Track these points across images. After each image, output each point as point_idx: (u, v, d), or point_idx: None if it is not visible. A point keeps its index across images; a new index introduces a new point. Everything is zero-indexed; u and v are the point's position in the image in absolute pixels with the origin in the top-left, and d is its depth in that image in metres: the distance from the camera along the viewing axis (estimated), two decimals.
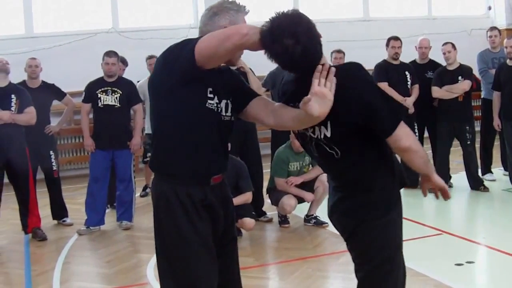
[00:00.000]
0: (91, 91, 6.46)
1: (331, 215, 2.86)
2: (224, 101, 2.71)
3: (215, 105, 2.66)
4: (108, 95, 6.40)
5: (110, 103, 6.39)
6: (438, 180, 2.69)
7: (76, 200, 7.77)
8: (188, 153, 2.64)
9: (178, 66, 2.54)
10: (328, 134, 2.59)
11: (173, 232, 2.66)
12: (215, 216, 2.75)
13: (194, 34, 2.71)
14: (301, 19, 2.44)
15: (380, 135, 2.54)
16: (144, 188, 8.15)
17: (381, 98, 2.51)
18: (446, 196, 2.73)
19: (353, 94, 2.48)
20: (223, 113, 2.71)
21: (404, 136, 2.50)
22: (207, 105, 2.63)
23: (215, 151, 2.72)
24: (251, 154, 6.45)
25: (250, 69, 6.12)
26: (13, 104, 6.06)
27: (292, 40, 2.38)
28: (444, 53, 7.40)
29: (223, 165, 2.79)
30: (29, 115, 6.13)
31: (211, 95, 2.64)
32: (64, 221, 6.77)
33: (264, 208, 6.63)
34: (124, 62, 7.50)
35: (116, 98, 6.39)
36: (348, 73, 2.53)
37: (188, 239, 2.64)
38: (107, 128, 6.41)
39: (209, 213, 2.71)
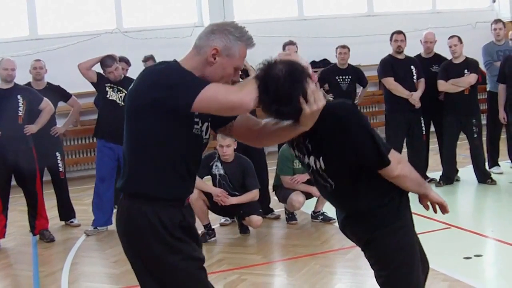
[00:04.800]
0: (102, 79, 6.45)
1: (343, 228, 2.91)
2: (205, 124, 2.65)
3: (199, 129, 2.60)
4: (114, 92, 6.40)
5: (115, 99, 6.40)
6: (436, 196, 2.81)
7: (83, 200, 7.79)
8: (170, 176, 2.56)
9: (172, 103, 2.40)
10: (323, 167, 2.67)
11: (160, 250, 2.56)
12: (194, 235, 2.70)
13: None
14: (295, 77, 2.38)
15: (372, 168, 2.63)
16: None
17: (372, 138, 2.56)
18: (444, 211, 2.81)
19: (346, 136, 2.55)
20: (204, 136, 2.66)
21: (393, 167, 2.60)
22: (193, 130, 2.58)
23: (192, 173, 2.66)
24: (255, 152, 6.43)
25: (252, 66, 6.11)
26: (20, 104, 6.09)
27: (287, 104, 2.38)
28: (450, 47, 7.35)
29: (194, 184, 2.74)
30: (47, 110, 6.31)
31: (197, 120, 2.57)
32: (71, 222, 6.78)
33: (271, 205, 6.62)
34: (127, 62, 7.50)
35: (121, 97, 6.38)
36: (342, 115, 2.56)
37: (180, 256, 2.57)
38: (111, 122, 6.38)
39: (189, 233, 2.65)
